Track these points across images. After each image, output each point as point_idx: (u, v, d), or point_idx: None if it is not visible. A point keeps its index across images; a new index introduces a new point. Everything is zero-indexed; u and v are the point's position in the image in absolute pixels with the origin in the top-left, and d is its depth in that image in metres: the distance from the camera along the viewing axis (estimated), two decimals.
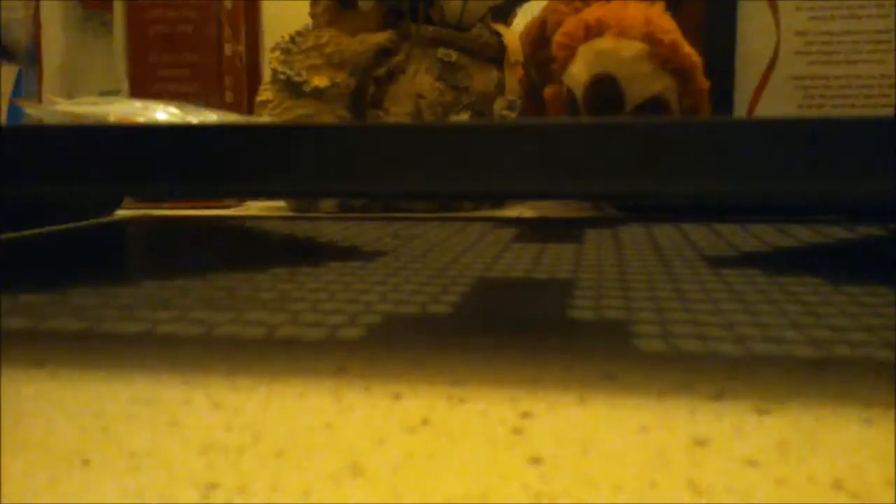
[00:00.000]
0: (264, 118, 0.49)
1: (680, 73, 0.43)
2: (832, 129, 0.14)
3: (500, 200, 0.52)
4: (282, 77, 0.49)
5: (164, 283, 0.25)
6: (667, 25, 0.43)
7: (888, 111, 0.47)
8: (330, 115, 0.49)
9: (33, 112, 0.45)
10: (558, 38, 0.45)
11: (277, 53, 0.50)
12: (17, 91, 0.62)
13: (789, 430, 0.13)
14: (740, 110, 0.49)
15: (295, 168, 0.16)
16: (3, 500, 0.11)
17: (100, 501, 0.11)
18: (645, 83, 0.43)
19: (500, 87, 0.52)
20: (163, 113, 0.35)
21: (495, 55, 0.52)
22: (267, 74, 0.52)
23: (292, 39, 0.50)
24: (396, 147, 0.16)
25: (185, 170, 0.17)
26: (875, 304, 0.22)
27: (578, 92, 0.44)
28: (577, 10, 0.46)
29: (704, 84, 0.44)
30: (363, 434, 0.13)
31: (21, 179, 0.17)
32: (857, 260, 0.31)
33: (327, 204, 0.50)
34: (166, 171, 0.17)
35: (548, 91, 0.49)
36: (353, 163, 0.16)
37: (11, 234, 0.37)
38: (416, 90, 0.49)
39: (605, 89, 0.43)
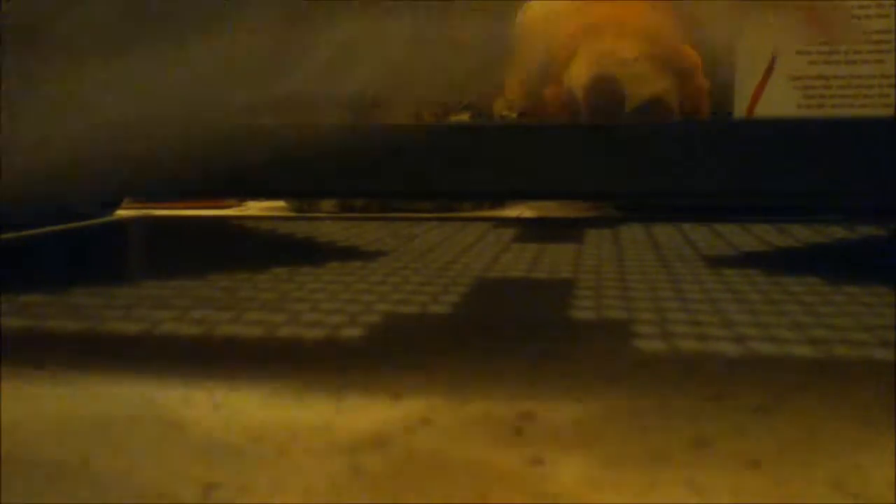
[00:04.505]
0: None
1: (680, 73, 0.43)
2: (832, 129, 0.14)
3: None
4: None
5: (164, 283, 0.25)
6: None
7: (888, 111, 0.47)
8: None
9: None
10: (558, 38, 0.45)
11: None
12: None
13: (789, 430, 0.13)
14: (740, 110, 0.49)
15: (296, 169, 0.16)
16: (3, 501, 0.11)
17: (100, 501, 0.11)
18: (645, 83, 0.43)
19: (500, 87, 0.52)
20: None
21: None
22: None
23: None
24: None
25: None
26: (875, 304, 0.22)
27: (578, 92, 0.44)
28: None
29: (704, 84, 0.44)
30: (363, 434, 0.13)
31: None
32: (857, 260, 0.31)
33: (327, 204, 0.50)
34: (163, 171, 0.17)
35: (548, 91, 0.49)
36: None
37: (11, 234, 0.37)
38: None
39: (605, 89, 0.43)
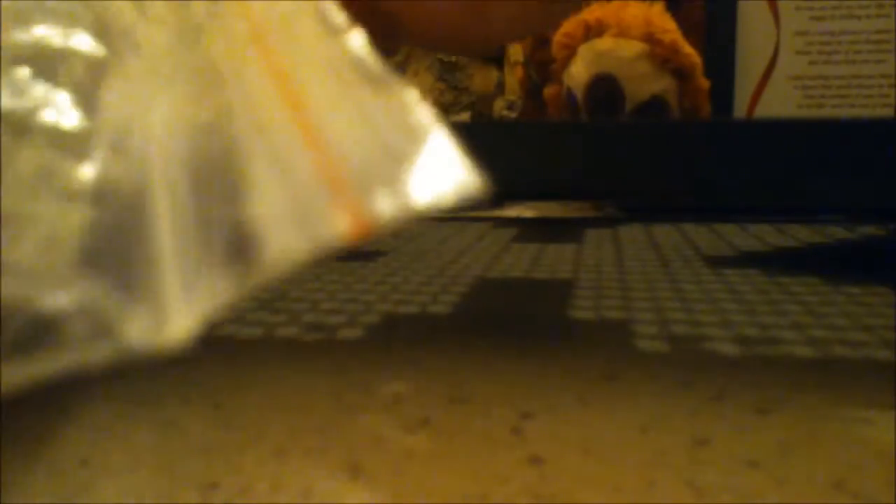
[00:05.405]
0: None
1: (680, 73, 0.43)
2: (832, 129, 0.14)
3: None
4: None
5: None
6: (667, 25, 0.43)
7: (888, 111, 0.47)
8: None
9: None
10: (558, 38, 0.45)
11: None
12: None
13: (789, 430, 0.13)
14: (740, 110, 0.49)
15: None
16: (4, 500, 0.11)
17: (100, 501, 0.11)
18: (645, 83, 0.43)
19: (500, 87, 0.52)
20: None
21: (495, 55, 0.52)
22: None
23: None
24: None
25: None
26: (875, 304, 0.22)
27: (578, 92, 0.44)
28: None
29: (704, 84, 0.44)
30: (363, 434, 0.13)
31: None
32: (857, 260, 0.31)
33: None
34: None
35: (548, 91, 0.49)
36: None
37: None
38: (416, 90, 0.49)
39: (605, 89, 0.43)
